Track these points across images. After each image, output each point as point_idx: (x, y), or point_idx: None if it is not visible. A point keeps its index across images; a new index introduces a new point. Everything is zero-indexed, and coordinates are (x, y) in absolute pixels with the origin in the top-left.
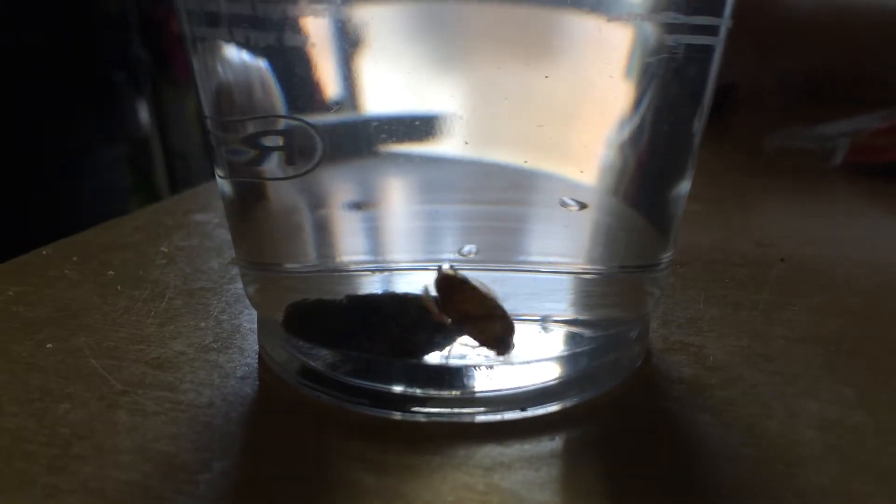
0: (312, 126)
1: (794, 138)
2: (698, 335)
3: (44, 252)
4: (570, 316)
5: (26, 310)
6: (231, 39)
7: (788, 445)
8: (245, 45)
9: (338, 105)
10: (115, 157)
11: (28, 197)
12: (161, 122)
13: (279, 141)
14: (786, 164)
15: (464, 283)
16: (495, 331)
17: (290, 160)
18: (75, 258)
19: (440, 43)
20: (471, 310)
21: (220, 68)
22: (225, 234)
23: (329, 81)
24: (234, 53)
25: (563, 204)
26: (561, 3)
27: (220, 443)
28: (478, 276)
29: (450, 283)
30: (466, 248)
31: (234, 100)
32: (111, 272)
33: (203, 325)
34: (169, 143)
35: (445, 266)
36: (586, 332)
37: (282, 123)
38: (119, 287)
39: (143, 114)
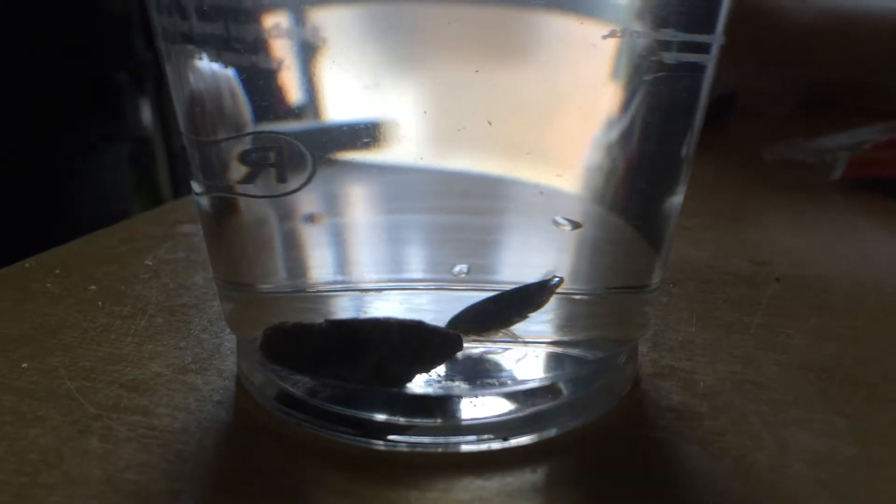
0: (302, 142)
1: (793, 150)
2: (689, 360)
3: (26, 265)
4: (558, 338)
5: (4, 326)
6: (204, 57)
7: (778, 480)
8: (219, 62)
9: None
10: (117, 157)
11: (30, 195)
12: (164, 121)
13: (264, 157)
14: (784, 177)
15: None
16: None
17: (280, 177)
18: (58, 271)
19: (427, 54)
20: None
21: (194, 85)
22: None
23: (307, 96)
24: (207, 71)
25: (556, 224)
26: (554, 20)
27: (193, 473)
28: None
29: None
30: (457, 269)
31: (209, 116)
32: (93, 286)
33: (183, 344)
34: (171, 143)
35: None
36: (574, 354)
37: (263, 139)
38: (100, 303)
39: (146, 113)
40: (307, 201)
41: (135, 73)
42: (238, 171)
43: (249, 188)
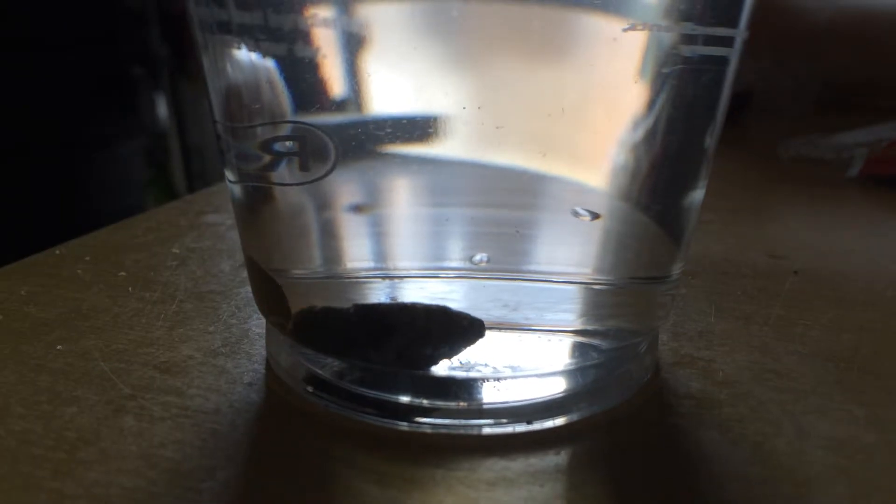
0: (325, 131)
1: (810, 147)
2: (708, 349)
3: (56, 252)
4: (579, 327)
5: (38, 310)
6: (242, 47)
7: (796, 465)
8: (256, 52)
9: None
10: (132, 151)
11: (46, 189)
12: (179, 116)
13: (293, 146)
14: (801, 173)
15: None
16: None
17: (304, 166)
18: (88, 258)
19: (452, 46)
20: None
21: (231, 74)
22: (237, 237)
23: (341, 86)
24: (245, 60)
25: (576, 214)
26: (576, 13)
27: (225, 451)
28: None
29: None
30: (478, 257)
31: (245, 105)
32: (123, 273)
33: (212, 329)
34: (186, 138)
35: None
36: (595, 342)
37: (295, 129)
38: (130, 288)
39: (161, 108)
40: (337, 190)
41: (150, 68)
42: (270, 158)
43: (287, 176)
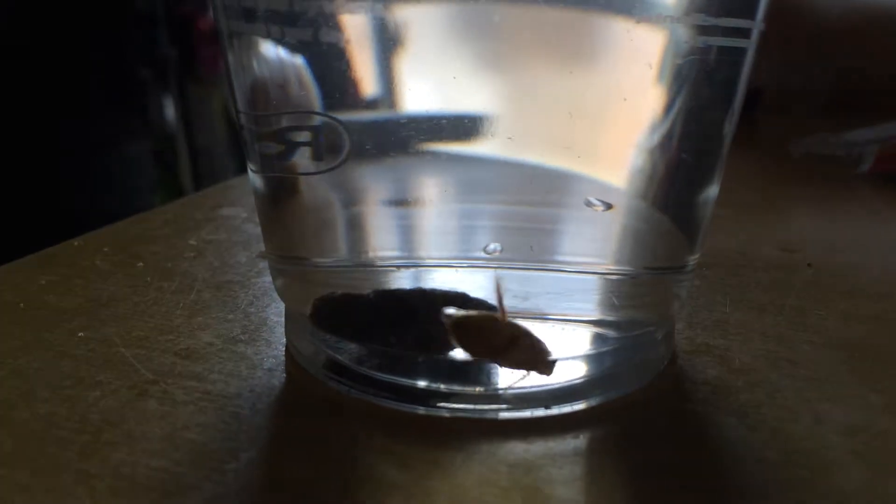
0: (340, 123)
1: (821, 144)
2: (724, 338)
3: (75, 243)
4: (595, 316)
5: (58, 299)
6: (267, 35)
7: (813, 450)
8: (281, 40)
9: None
10: (140, 153)
11: (54, 191)
12: (187, 118)
13: (307, 136)
14: (812, 169)
15: (476, 319)
16: (526, 356)
17: (317, 156)
18: (106, 249)
19: (471, 43)
20: (496, 342)
21: (255, 63)
22: (253, 229)
23: (363, 79)
24: (269, 49)
25: (589, 204)
26: (590, 5)
27: (248, 433)
28: (502, 274)
29: (463, 326)
30: (491, 247)
31: (268, 95)
32: (141, 264)
33: (231, 317)
34: (194, 140)
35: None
36: (611, 332)
37: (312, 119)
38: (148, 279)
39: (170, 110)
40: (354, 181)
41: (159, 71)
42: (290, 148)
43: (304, 166)
